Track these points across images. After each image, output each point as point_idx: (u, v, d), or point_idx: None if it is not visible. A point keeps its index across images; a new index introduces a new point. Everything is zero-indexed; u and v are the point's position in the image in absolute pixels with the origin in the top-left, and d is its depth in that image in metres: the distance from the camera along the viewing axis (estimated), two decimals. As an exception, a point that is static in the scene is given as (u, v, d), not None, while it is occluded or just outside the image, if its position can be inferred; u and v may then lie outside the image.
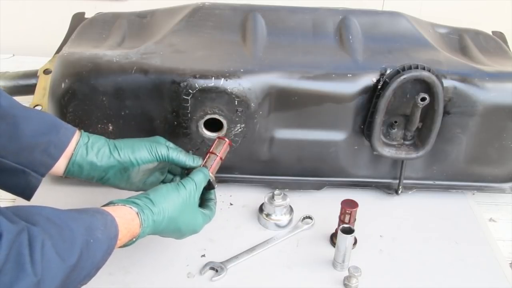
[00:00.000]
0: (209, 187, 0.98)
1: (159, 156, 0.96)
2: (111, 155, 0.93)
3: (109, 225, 0.78)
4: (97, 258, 0.75)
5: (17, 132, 0.85)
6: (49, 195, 1.13)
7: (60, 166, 0.90)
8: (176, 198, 0.89)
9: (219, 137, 1.01)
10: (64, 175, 0.92)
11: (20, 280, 0.62)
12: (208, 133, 1.10)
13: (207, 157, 0.99)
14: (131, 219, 0.82)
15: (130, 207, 0.83)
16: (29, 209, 0.71)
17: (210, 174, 0.97)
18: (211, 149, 1.00)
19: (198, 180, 0.94)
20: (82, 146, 0.91)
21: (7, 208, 0.68)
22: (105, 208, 0.81)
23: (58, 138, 0.89)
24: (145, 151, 0.95)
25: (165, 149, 0.96)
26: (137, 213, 0.82)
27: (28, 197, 0.90)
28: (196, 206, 0.93)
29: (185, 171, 0.99)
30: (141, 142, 0.96)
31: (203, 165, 0.97)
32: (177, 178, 1.03)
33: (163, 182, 1.02)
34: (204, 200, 0.99)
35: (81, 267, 0.71)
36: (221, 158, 0.99)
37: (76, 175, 0.93)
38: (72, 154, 0.90)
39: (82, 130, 0.94)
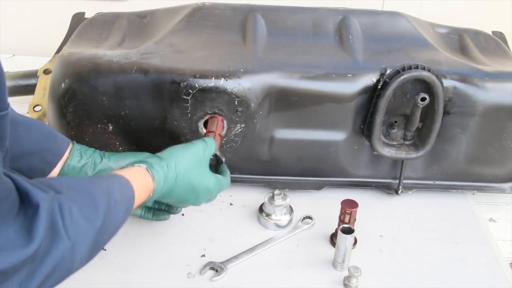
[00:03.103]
0: (217, 162, 1.02)
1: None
2: (102, 159, 0.99)
3: (125, 187, 0.80)
4: (119, 218, 0.77)
5: (18, 138, 0.87)
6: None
7: (52, 174, 0.94)
8: (184, 153, 0.92)
9: (211, 117, 1.05)
10: None
11: (56, 245, 0.64)
12: (208, 133, 1.11)
13: (207, 135, 1.03)
14: (143, 176, 0.84)
15: (139, 165, 0.86)
16: (48, 181, 0.73)
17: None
18: (208, 128, 1.04)
19: (208, 140, 0.97)
20: (76, 151, 0.97)
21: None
22: (117, 171, 0.84)
23: (56, 146, 0.94)
24: (134, 156, 1.01)
25: (150, 156, 1.02)
26: (147, 169, 0.85)
27: None
28: (206, 164, 0.96)
29: None
30: (128, 152, 1.05)
31: None
32: None
33: (142, 214, 1.07)
34: (218, 173, 1.02)
35: (106, 228, 0.73)
36: (219, 135, 1.03)
37: None
38: (67, 158, 0.95)
39: (74, 141, 1.00)
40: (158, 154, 0.91)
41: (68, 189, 0.70)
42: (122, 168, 0.86)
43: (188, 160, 0.92)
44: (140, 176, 0.84)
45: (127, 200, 0.79)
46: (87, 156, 0.98)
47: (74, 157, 0.96)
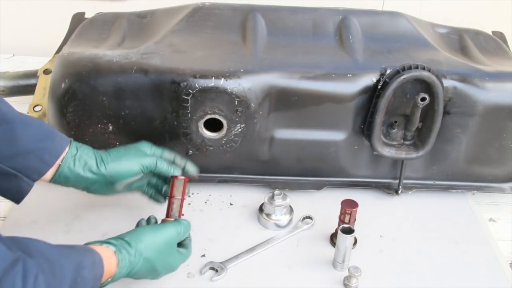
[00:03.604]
0: None
1: (146, 168, 0.98)
2: (98, 169, 0.94)
3: (97, 265, 0.78)
4: None
5: (14, 137, 0.86)
6: (48, 195, 1.13)
7: (48, 173, 0.91)
8: (155, 238, 0.88)
9: (174, 176, 0.99)
10: (51, 182, 0.93)
11: None
12: (208, 133, 1.10)
13: (171, 202, 0.98)
14: (109, 257, 0.81)
15: (107, 247, 0.83)
16: (24, 240, 0.71)
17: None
18: (172, 193, 0.98)
19: (183, 224, 0.94)
20: (69, 158, 0.92)
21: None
22: (93, 247, 0.81)
23: (53, 145, 0.91)
24: (132, 164, 0.97)
25: (151, 160, 0.98)
26: (114, 252, 0.82)
27: (17, 201, 0.91)
28: (174, 248, 0.92)
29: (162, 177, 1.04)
30: (128, 155, 0.98)
31: (169, 213, 0.97)
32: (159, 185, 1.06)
33: (144, 190, 1.05)
34: (182, 241, 0.97)
35: None
36: (183, 199, 0.99)
37: (62, 184, 0.94)
38: (59, 165, 0.91)
39: (72, 139, 0.95)
40: (127, 236, 0.86)
41: (40, 255, 0.69)
42: (89, 244, 0.82)
43: (157, 246, 0.88)
44: (106, 256, 0.81)
45: (94, 280, 0.77)
46: (81, 165, 0.93)
47: (65, 166, 0.91)
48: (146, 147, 1.01)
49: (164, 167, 1.00)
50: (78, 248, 0.79)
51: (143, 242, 0.86)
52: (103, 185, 0.96)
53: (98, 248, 0.81)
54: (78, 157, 0.93)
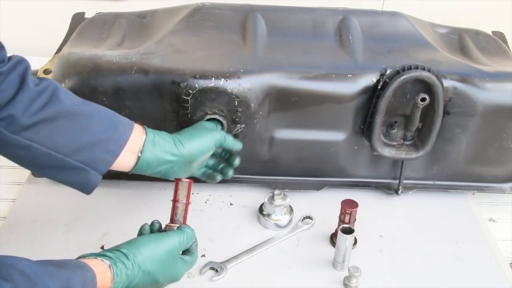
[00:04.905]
0: None
1: (217, 142, 1.00)
2: (177, 149, 0.95)
3: (88, 283, 0.73)
4: None
5: (79, 130, 0.85)
6: (48, 195, 1.13)
7: (128, 162, 0.91)
8: (155, 248, 0.85)
9: (178, 179, 0.95)
10: (132, 172, 0.92)
11: None
12: (208, 133, 1.10)
13: (175, 206, 0.94)
14: (103, 272, 0.77)
15: (102, 260, 0.78)
16: (4, 260, 0.67)
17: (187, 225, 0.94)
18: (176, 196, 0.94)
19: (186, 232, 0.90)
20: (149, 143, 0.92)
21: None
22: (86, 261, 0.77)
23: (118, 134, 0.89)
24: (206, 140, 0.99)
25: (219, 134, 1.02)
26: (110, 266, 0.77)
27: (88, 193, 0.90)
28: (177, 258, 0.88)
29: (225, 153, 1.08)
30: (199, 132, 1.00)
31: (174, 218, 0.93)
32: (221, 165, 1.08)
33: (208, 166, 1.07)
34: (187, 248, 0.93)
35: None
36: (189, 203, 0.95)
37: (143, 171, 0.93)
38: (141, 151, 0.91)
39: (145, 126, 0.95)
40: (125, 247, 0.82)
41: (20, 276, 0.65)
42: (78, 259, 0.78)
43: (158, 258, 0.84)
44: (99, 271, 0.76)
45: None
46: (160, 147, 0.93)
47: (147, 151, 0.91)
48: (208, 123, 1.04)
49: (231, 141, 1.03)
50: (68, 264, 0.74)
51: (142, 254, 0.82)
52: (182, 166, 0.96)
53: (92, 263, 0.76)
54: (157, 141, 0.93)
